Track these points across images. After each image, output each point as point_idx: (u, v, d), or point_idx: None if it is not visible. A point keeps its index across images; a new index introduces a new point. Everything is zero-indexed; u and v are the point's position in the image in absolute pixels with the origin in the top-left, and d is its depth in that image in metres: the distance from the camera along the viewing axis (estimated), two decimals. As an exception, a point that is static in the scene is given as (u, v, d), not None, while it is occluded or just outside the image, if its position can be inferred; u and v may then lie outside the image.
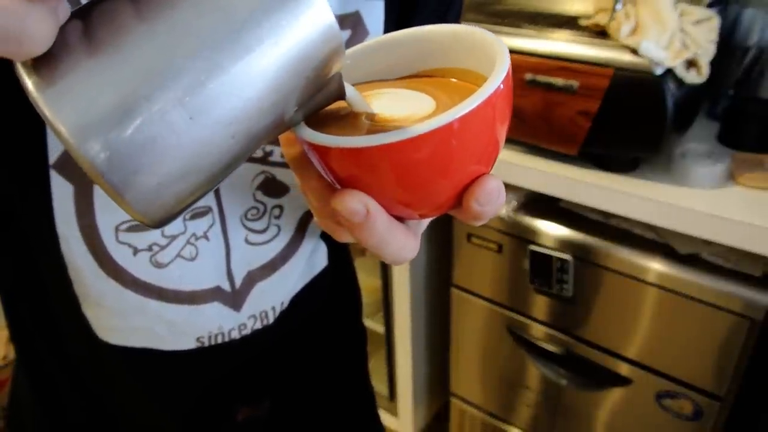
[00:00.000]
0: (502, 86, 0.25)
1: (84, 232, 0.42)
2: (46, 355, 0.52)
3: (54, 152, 0.40)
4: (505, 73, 0.26)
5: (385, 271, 1.47)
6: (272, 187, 0.48)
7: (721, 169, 0.97)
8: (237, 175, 0.46)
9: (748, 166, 0.98)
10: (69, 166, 0.40)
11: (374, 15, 0.45)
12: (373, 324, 1.61)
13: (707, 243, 0.95)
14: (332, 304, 0.62)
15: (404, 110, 0.29)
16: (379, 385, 1.68)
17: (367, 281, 1.53)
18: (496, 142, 0.27)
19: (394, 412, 1.71)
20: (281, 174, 0.47)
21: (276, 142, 0.45)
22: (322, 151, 0.26)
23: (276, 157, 0.46)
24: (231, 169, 0.24)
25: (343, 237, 0.31)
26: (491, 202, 0.27)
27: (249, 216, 0.48)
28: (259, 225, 0.49)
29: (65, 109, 0.20)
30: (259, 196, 0.48)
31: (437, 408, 1.75)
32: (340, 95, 0.27)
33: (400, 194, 0.26)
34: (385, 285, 1.49)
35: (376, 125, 0.28)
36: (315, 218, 0.33)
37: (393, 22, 0.47)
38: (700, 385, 1.02)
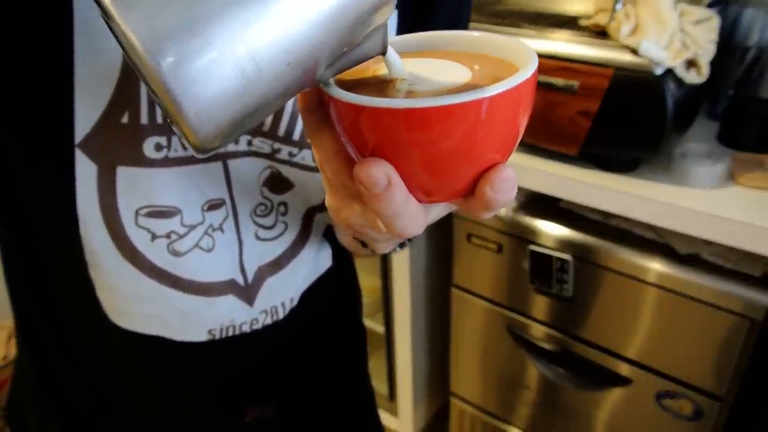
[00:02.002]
0: (533, 75, 0.26)
1: (104, 213, 0.43)
2: (51, 345, 0.53)
3: (80, 132, 0.40)
4: (536, 64, 0.26)
5: (385, 271, 1.47)
6: (277, 183, 0.48)
7: (721, 169, 0.97)
8: (246, 170, 0.47)
9: (748, 166, 0.98)
10: (94, 145, 0.40)
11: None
12: (373, 324, 1.61)
13: (707, 243, 0.95)
14: (335, 304, 0.62)
15: (439, 78, 0.28)
16: (379, 385, 1.68)
17: (367, 281, 1.53)
18: (517, 130, 0.27)
19: (394, 412, 1.71)
20: (286, 170, 0.48)
21: (285, 141, 0.46)
22: (353, 113, 0.26)
23: (283, 155, 0.47)
24: (279, 102, 0.25)
25: (351, 217, 0.31)
26: (505, 190, 0.27)
27: (258, 212, 0.49)
28: (267, 221, 0.50)
29: (136, 16, 0.21)
30: (266, 192, 0.48)
31: (437, 408, 1.75)
32: (383, 49, 0.28)
33: (421, 168, 0.26)
34: (385, 285, 1.49)
35: (408, 92, 0.28)
36: (326, 196, 0.32)
37: (405, 31, 0.47)
38: (700, 385, 1.02)
